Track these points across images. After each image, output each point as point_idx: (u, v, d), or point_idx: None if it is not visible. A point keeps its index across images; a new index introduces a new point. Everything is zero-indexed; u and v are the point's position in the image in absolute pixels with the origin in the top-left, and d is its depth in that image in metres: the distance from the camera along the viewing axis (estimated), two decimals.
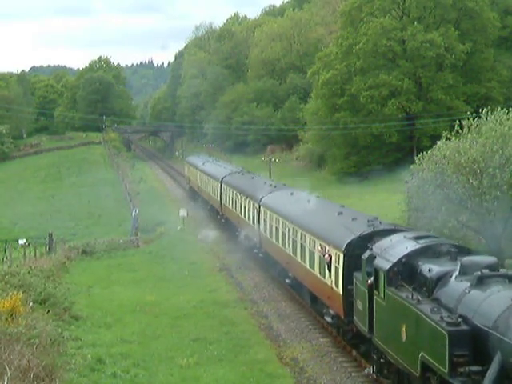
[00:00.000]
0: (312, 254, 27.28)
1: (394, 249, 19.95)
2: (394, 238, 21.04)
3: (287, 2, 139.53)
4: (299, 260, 29.30)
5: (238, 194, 44.32)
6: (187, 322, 29.35)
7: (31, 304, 28.26)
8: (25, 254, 45.49)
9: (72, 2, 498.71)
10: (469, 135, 31.05)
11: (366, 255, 20.95)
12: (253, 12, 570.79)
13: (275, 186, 39.95)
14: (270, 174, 72.07)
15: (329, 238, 25.29)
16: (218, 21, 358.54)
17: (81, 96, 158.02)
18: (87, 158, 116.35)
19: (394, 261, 19.09)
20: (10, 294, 26.37)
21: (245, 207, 42.05)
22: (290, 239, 30.76)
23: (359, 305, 21.42)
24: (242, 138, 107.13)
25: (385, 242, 20.99)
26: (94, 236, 55.68)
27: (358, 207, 35.06)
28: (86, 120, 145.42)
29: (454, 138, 32.07)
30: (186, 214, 56.31)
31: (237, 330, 28.06)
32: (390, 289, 18.84)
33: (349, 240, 23.15)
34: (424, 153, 33.37)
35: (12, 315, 24.61)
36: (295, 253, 29.97)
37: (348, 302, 22.72)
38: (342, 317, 23.58)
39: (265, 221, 36.44)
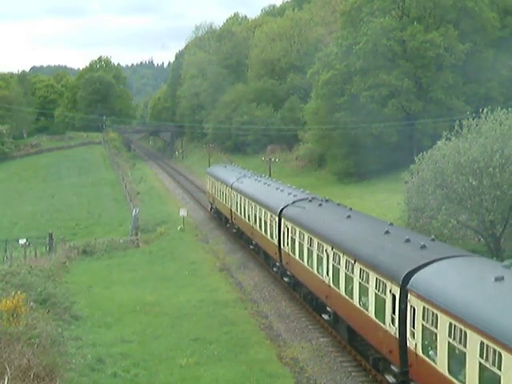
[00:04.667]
0: None
1: None
2: None
3: (287, 2, 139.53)
4: None
5: (328, 247, 25.54)
6: (187, 322, 29.38)
7: (31, 304, 28.28)
8: (25, 253, 45.55)
9: (68, 3, 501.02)
10: (469, 135, 31.12)
11: None
12: (248, 12, 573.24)
13: (425, 247, 20.26)
14: (270, 173, 72.07)
15: None
16: (214, 21, 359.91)
17: (81, 96, 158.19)
18: (87, 158, 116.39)
19: None
20: (13, 293, 26.37)
21: (347, 276, 23.55)
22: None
23: None
24: (242, 138, 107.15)
25: None
26: (94, 236, 55.69)
27: (358, 207, 34.94)
28: (86, 120, 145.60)
29: (453, 138, 32.12)
30: (185, 214, 56.32)
31: (237, 330, 28.08)
32: None
33: None
34: (424, 153, 33.43)
35: (14, 315, 24.61)
36: None
37: None
38: None
39: (417, 324, 18.04)
